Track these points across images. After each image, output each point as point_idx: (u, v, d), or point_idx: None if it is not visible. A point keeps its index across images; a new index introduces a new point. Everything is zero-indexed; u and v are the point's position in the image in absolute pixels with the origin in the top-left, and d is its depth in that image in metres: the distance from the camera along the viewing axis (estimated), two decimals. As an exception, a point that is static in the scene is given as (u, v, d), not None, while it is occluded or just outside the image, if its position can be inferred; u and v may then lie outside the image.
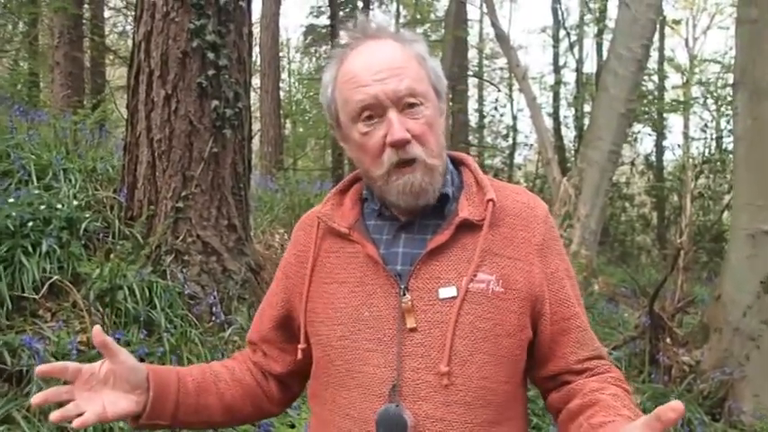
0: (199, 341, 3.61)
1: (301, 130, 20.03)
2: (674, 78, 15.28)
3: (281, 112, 14.78)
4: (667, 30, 15.51)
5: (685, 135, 15.49)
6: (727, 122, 13.26)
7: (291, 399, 1.45)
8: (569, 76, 18.35)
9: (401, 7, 19.27)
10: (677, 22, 14.57)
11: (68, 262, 3.71)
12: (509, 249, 1.22)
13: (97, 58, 11.91)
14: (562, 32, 18.01)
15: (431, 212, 1.24)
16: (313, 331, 1.27)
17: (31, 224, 3.67)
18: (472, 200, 1.25)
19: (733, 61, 5.48)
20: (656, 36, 13.71)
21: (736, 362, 4.38)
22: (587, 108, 14.70)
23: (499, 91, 19.65)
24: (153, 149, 4.10)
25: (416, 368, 1.16)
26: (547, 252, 1.25)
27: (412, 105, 1.18)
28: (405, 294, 1.18)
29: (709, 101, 14.15)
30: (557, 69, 18.24)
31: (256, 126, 13.05)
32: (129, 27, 13.98)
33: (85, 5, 11.09)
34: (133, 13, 4.65)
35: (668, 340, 4.71)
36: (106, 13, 13.15)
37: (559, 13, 18.11)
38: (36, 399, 1.11)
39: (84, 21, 10.70)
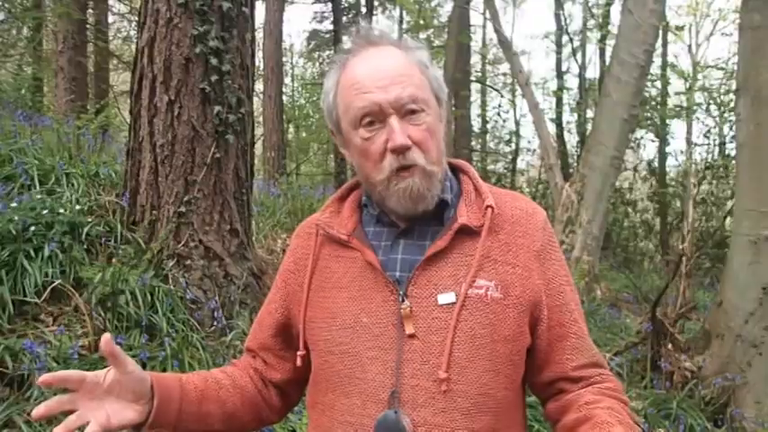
0: (200, 346, 3.61)
1: (304, 135, 20.07)
2: (676, 84, 15.24)
3: (284, 117, 14.82)
4: (670, 36, 15.51)
5: (688, 141, 15.48)
6: (730, 128, 13.25)
7: (290, 407, 1.45)
8: (572, 81, 18.38)
9: (404, 13, 19.29)
10: (680, 29, 14.55)
11: (70, 266, 3.71)
12: (508, 255, 1.23)
13: (101, 63, 11.94)
14: (565, 38, 18.03)
15: (430, 219, 1.25)
16: (312, 338, 1.27)
17: (33, 229, 3.68)
18: (471, 206, 1.25)
19: (736, 67, 5.48)
20: (659, 42, 13.72)
21: (738, 368, 4.37)
22: (590, 114, 14.69)
23: (502, 96, 19.66)
24: (156, 154, 4.11)
25: (415, 374, 1.16)
26: (545, 259, 1.26)
27: (413, 112, 1.19)
28: (404, 300, 1.18)
29: (712, 107, 14.13)
30: (559, 75, 18.25)
31: (259, 131, 13.08)
32: (132, 32, 14.05)
33: (89, 11, 11.14)
34: (137, 19, 4.67)
35: (670, 346, 4.70)
36: (110, 19, 13.20)
37: (562, 18, 18.12)
38: (38, 411, 1.07)
39: (88, 26, 10.74)
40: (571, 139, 17.50)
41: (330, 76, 1.27)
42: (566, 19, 18.44)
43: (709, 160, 14.07)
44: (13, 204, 3.83)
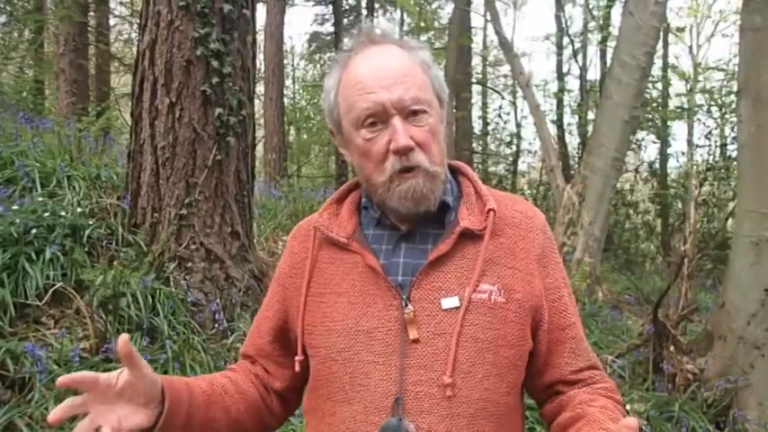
0: (201, 348, 3.61)
1: (305, 137, 20.05)
2: (677, 86, 15.24)
3: (285, 119, 14.82)
4: (671, 37, 15.50)
5: (689, 142, 15.44)
6: (731, 130, 13.23)
7: (291, 412, 1.43)
8: (573, 83, 18.37)
9: (405, 15, 19.30)
10: (681, 30, 14.54)
11: (72, 269, 3.72)
12: (510, 259, 1.22)
13: (102, 65, 11.95)
14: (566, 40, 18.01)
15: (431, 222, 1.23)
16: (311, 343, 1.25)
17: (34, 231, 3.69)
18: (472, 209, 1.24)
19: (737, 69, 5.47)
20: (660, 43, 13.72)
21: (740, 370, 4.36)
22: (591, 115, 14.66)
23: (503, 98, 19.64)
24: (157, 157, 4.11)
25: (419, 381, 1.14)
26: (546, 262, 1.25)
27: (416, 113, 1.18)
28: (407, 305, 1.16)
29: (713, 108, 14.11)
30: (560, 77, 18.25)
31: (260, 133, 13.08)
32: (134, 35, 14.07)
33: (91, 13, 11.15)
34: (138, 21, 4.67)
35: (672, 348, 4.69)
36: (111, 21, 13.21)
37: (563, 20, 18.12)
38: (53, 416, 1.04)
39: (89, 28, 10.76)
40: (572, 141, 17.50)
41: (331, 75, 1.25)
42: (566, 21, 18.43)
43: (710, 162, 14.05)
44: (15, 207, 3.83)
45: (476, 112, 19.85)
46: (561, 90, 16.96)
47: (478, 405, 1.14)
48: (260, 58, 13.28)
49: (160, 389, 1.15)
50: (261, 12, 13.49)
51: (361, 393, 1.16)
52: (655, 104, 14.49)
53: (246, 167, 4.42)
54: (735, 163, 10.45)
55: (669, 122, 14.54)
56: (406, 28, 18.73)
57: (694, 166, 13.64)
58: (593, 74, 18.49)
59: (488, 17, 12.04)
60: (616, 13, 12.99)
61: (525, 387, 1.28)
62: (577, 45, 17.78)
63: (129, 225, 4.18)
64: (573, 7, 20.90)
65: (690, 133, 15.28)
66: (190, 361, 3.47)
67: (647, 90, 12.25)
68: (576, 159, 15.93)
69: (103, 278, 3.60)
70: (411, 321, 1.16)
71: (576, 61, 17.75)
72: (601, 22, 13.96)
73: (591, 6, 16.60)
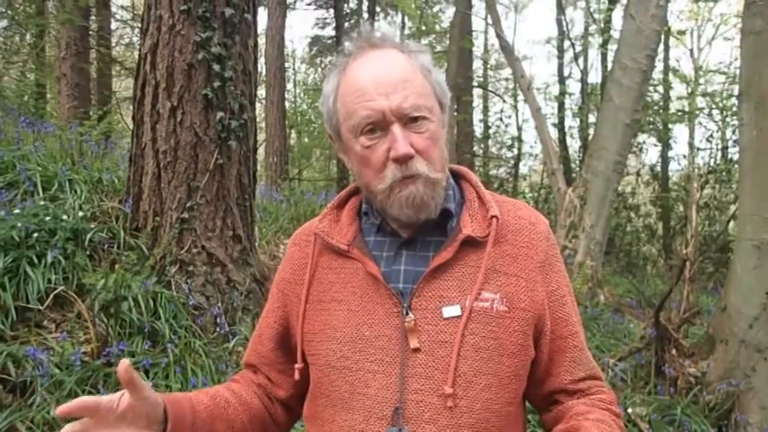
0: (203, 352, 3.61)
1: (306, 140, 20.07)
2: (679, 89, 15.23)
3: (287, 122, 14.82)
4: (672, 40, 15.51)
5: (691, 145, 15.43)
6: (733, 133, 13.23)
7: (295, 420, 1.42)
8: (574, 86, 18.35)
9: (406, 18, 19.33)
10: (682, 33, 14.55)
11: (73, 273, 3.72)
12: (512, 267, 1.20)
13: (104, 69, 11.96)
14: (567, 43, 18.01)
15: (432, 228, 1.22)
16: (311, 351, 1.24)
17: (36, 235, 3.69)
18: (475, 216, 1.22)
19: (738, 72, 5.47)
20: (661, 47, 13.72)
21: (742, 373, 4.35)
22: (592, 118, 14.67)
23: (504, 101, 19.65)
24: (158, 160, 4.12)
25: (420, 390, 1.12)
26: (549, 269, 1.23)
27: (416, 119, 1.15)
28: (408, 313, 1.15)
29: (715, 111, 14.11)
30: (561, 80, 18.23)
31: (261, 137, 13.09)
32: (135, 39, 14.08)
33: (92, 17, 11.16)
34: (140, 26, 4.68)
35: (674, 351, 4.68)
36: (113, 25, 13.22)
37: (564, 23, 18.13)
38: None
39: (90, 32, 10.76)
40: (573, 144, 17.48)
41: (330, 80, 1.23)
42: (567, 24, 18.45)
43: (711, 165, 14.04)
44: (17, 211, 3.83)
45: (477, 116, 19.89)
46: (562, 93, 16.95)
47: (480, 415, 1.13)
48: (261, 61, 13.29)
49: (162, 410, 1.14)
50: (262, 15, 13.52)
51: (362, 402, 1.15)
52: (656, 107, 14.49)
53: (248, 171, 4.43)
54: (736, 166, 10.45)
55: (670, 125, 14.53)
56: (407, 31, 18.76)
57: (696, 170, 13.63)
58: (595, 77, 18.51)
59: (489, 20, 12.05)
60: (617, 17, 13.04)
61: (525, 395, 1.27)
62: (578, 48, 17.78)
63: (131, 229, 4.18)
64: (574, 10, 20.97)
65: (691, 136, 15.28)
66: (191, 365, 3.47)
67: (649, 93, 12.25)
68: (578, 162, 15.92)
69: (105, 282, 3.60)
70: (412, 330, 1.14)
71: (578, 64, 17.75)
72: (602, 25, 13.97)
73: (592, 9, 16.61)
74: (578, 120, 16.56)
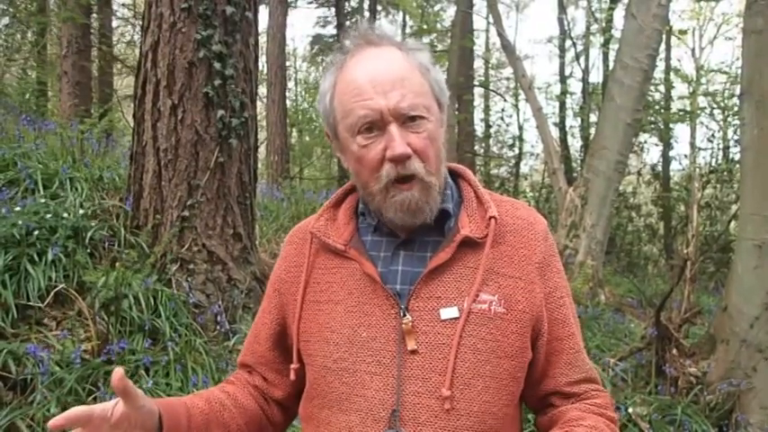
0: (203, 350, 3.61)
1: (307, 138, 20.08)
2: (680, 88, 15.23)
3: (288, 121, 14.82)
4: (674, 40, 15.50)
5: (692, 145, 15.44)
6: (734, 132, 13.21)
7: (292, 420, 1.41)
8: (575, 85, 18.33)
9: (407, 17, 19.33)
10: (683, 32, 14.55)
11: (74, 270, 3.72)
12: (510, 268, 1.19)
13: (105, 67, 11.97)
14: (568, 42, 18.00)
15: (430, 228, 1.20)
16: (307, 351, 1.23)
17: (37, 233, 3.69)
18: (473, 216, 1.21)
19: (739, 71, 5.47)
20: (663, 46, 13.70)
21: (743, 373, 4.34)
22: (593, 118, 14.66)
23: (505, 101, 19.64)
24: (159, 159, 4.12)
25: (417, 392, 1.12)
26: (547, 270, 1.22)
27: (414, 119, 1.13)
28: (405, 315, 1.14)
29: (716, 111, 14.10)
30: (563, 79, 18.21)
31: (262, 135, 13.08)
32: (136, 37, 14.07)
33: (94, 15, 11.16)
34: (141, 23, 4.68)
35: (675, 351, 4.68)
36: (114, 23, 13.24)
37: (565, 23, 18.12)
38: None
39: (92, 30, 10.77)
40: (574, 144, 17.47)
41: (327, 78, 1.21)
42: (569, 23, 18.44)
43: (713, 164, 14.04)
44: (17, 208, 3.83)
45: (478, 115, 19.89)
46: (563, 93, 16.94)
47: (477, 417, 1.12)
48: (262, 60, 13.29)
49: (157, 417, 1.13)
50: (263, 14, 13.52)
51: (358, 403, 1.14)
52: (657, 107, 14.48)
53: (249, 169, 4.42)
54: (738, 166, 10.44)
55: (672, 125, 14.52)
56: (408, 30, 18.75)
57: (697, 169, 13.62)
58: (596, 76, 18.45)
59: (491, 20, 12.05)
60: (618, 16, 13.01)
61: (521, 396, 1.25)
62: (580, 48, 17.77)
63: (132, 227, 4.18)
64: (575, 10, 20.94)
65: (692, 136, 15.30)
66: (191, 363, 3.47)
67: (650, 93, 12.25)
68: (579, 162, 15.91)
69: (105, 280, 3.60)
70: (409, 332, 1.13)
71: (579, 64, 17.73)
72: (603, 24, 13.95)
73: (593, 9, 16.60)
74: (579, 119, 16.55)
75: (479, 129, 19.68)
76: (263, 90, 13.57)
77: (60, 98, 9.96)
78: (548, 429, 1.21)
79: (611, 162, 7.80)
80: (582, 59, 17.81)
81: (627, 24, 8.00)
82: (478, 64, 20.09)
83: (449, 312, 1.14)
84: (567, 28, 18.14)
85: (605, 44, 14.15)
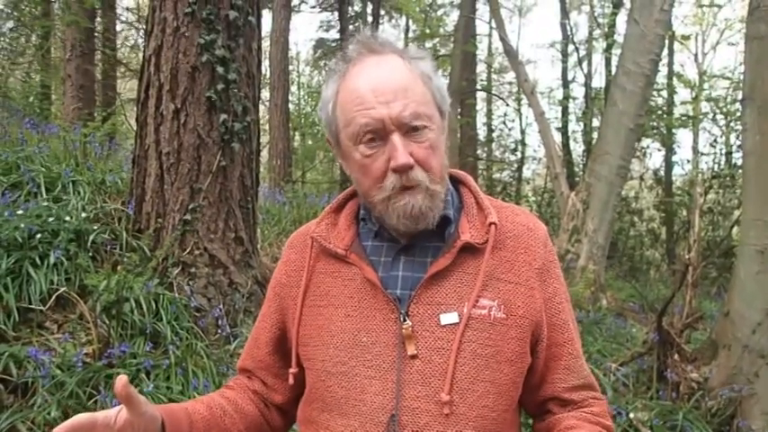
0: (204, 354, 3.61)
1: (310, 142, 20.09)
2: (682, 93, 15.24)
3: (290, 125, 14.83)
4: (676, 45, 15.50)
5: (694, 150, 15.44)
6: (737, 138, 13.20)
7: (292, 424, 1.41)
8: (578, 90, 18.34)
9: (410, 22, 19.35)
10: (686, 38, 14.55)
11: (76, 274, 3.72)
12: (510, 274, 1.19)
13: (108, 71, 12.01)
14: (571, 47, 18.03)
15: (431, 234, 1.20)
16: (306, 355, 1.23)
17: (39, 236, 3.70)
18: (473, 222, 1.21)
19: (742, 77, 5.47)
20: (665, 51, 13.71)
21: (745, 379, 4.33)
22: (596, 123, 14.67)
23: (507, 105, 19.67)
24: (161, 162, 4.13)
25: (416, 397, 1.12)
26: (546, 276, 1.23)
27: (416, 128, 1.13)
28: (405, 320, 1.14)
29: (719, 116, 14.11)
30: (565, 84, 18.24)
31: (265, 139, 13.11)
32: (140, 41, 14.10)
33: (98, 19, 11.20)
34: (144, 28, 4.70)
35: (676, 356, 4.67)
36: (118, 27, 13.26)
37: (568, 28, 18.15)
38: None
39: (96, 34, 10.80)
40: (577, 148, 17.48)
41: (329, 86, 1.21)
42: (571, 28, 18.47)
43: (715, 169, 14.04)
44: (20, 212, 3.84)
45: (480, 119, 19.89)
46: (566, 97, 16.95)
47: (476, 423, 1.12)
48: (265, 64, 13.31)
49: (160, 424, 1.14)
50: (266, 18, 13.57)
51: (357, 408, 1.14)
52: (660, 112, 14.49)
53: (251, 173, 4.43)
54: (740, 171, 10.43)
55: (674, 130, 14.53)
56: (411, 35, 18.78)
57: (699, 174, 13.62)
58: (598, 81, 18.47)
59: (493, 24, 12.05)
60: (621, 21, 13.01)
61: (520, 402, 1.26)
62: (582, 53, 17.80)
63: (134, 230, 4.19)
64: (578, 15, 20.97)
65: (695, 141, 15.30)
66: (192, 366, 3.47)
67: (652, 98, 12.25)
68: (581, 167, 15.91)
69: (107, 283, 3.60)
70: (409, 337, 1.13)
71: (581, 69, 17.77)
72: (606, 29, 13.98)
73: (596, 14, 16.62)
74: (582, 124, 16.57)
75: (482, 133, 19.70)
76: (265, 94, 13.60)
77: (64, 101, 9.98)
78: None
79: (614, 167, 7.80)
80: (584, 64, 17.84)
81: (629, 29, 8.01)
82: (481, 68, 20.13)
83: (449, 318, 1.14)
84: (569, 33, 18.17)
85: (608, 49, 14.17)
